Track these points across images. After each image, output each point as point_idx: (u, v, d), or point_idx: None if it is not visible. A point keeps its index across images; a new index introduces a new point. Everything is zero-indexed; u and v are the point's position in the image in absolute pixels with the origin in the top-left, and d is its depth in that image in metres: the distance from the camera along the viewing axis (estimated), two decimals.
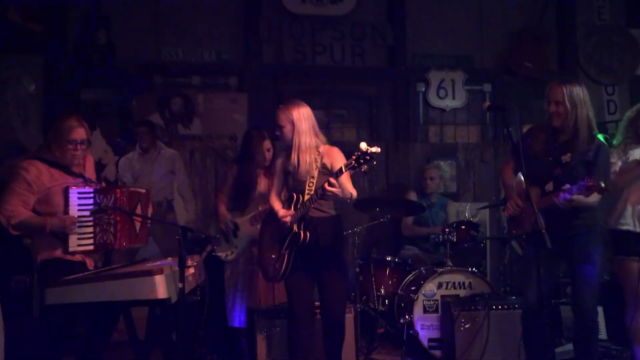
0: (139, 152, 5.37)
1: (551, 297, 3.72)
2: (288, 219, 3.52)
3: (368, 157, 3.16)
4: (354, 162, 3.20)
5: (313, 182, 3.51)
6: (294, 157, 3.57)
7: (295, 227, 3.49)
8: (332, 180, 3.27)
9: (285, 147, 3.68)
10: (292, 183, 3.66)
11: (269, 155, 4.45)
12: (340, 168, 3.26)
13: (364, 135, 6.46)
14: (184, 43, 6.21)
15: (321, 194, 3.34)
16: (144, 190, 3.78)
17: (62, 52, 5.94)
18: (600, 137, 3.56)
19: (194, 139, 6.07)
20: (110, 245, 3.43)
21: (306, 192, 3.50)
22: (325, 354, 3.64)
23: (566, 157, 3.44)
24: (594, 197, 3.35)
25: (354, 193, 3.49)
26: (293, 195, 3.58)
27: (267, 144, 4.45)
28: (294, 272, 3.55)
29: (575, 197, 3.28)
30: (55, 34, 5.90)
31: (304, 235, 3.47)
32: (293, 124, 3.55)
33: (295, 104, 3.61)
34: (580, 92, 3.44)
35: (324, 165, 3.56)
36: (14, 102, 5.67)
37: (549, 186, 3.45)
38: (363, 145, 3.17)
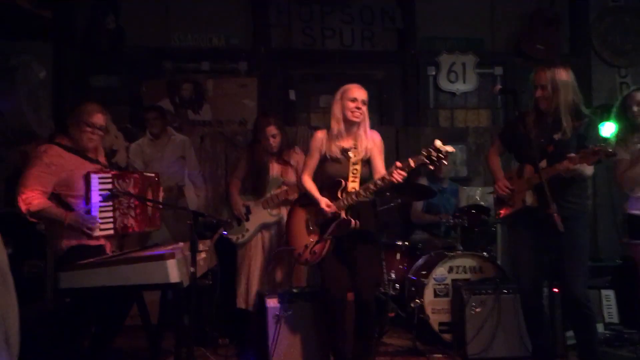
0: (150, 138, 5.38)
1: (554, 279, 3.70)
2: (330, 212, 3.52)
3: (442, 156, 3.12)
4: (425, 159, 3.16)
5: (357, 169, 3.50)
6: (352, 141, 3.59)
7: (343, 214, 3.48)
8: (401, 171, 3.24)
9: (333, 129, 3.64)
10: (331, 167, 3.64)
11: (273, 141, 4.39)
12: (409, 161, 3.22)
13: (374, 119, 6.42)
14: (193, 28, 6.20)
15: (388, 180, 3.31)
16: (153, 175, 3.82)
17: (71, 38, 5.94)
18: (587, 110, 3.55)
19: (204, 125, 6.07)
20: (131, 228, 3.48)
21: (350, 178, 3.50)
22: (357, 333, 3.65)
23: (558, 135, 3.44)
24: (590, 170, 3.36)
25: None
26: (340, 181, 3.55)
27: (271, 129, 4.38)
28: (331, 255, 3.55)
29: (578, 165, 3.26)
30: (64, 20, 5.90)
31: (355, 222, 3.47)
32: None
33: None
34: (564, 75, 3.44)
35: (367, 153, 3.60)
36: (24, 88, 5.68)
37: (543, 163, 3.45)
38: (438, 143, 3.12)
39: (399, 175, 3.25)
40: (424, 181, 5.55)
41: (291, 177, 4.44)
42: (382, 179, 3.34)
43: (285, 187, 4.42)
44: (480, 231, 4.91)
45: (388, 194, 4.83)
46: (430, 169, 3.26)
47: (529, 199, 3.45)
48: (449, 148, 3.12)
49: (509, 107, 6.46)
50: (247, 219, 4.44)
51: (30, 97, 5.70)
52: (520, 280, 3.67)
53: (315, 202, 3.60)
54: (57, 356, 3.33)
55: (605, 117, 5.25)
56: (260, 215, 4.42)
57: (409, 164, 3.23)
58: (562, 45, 6.52)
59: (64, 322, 3.37)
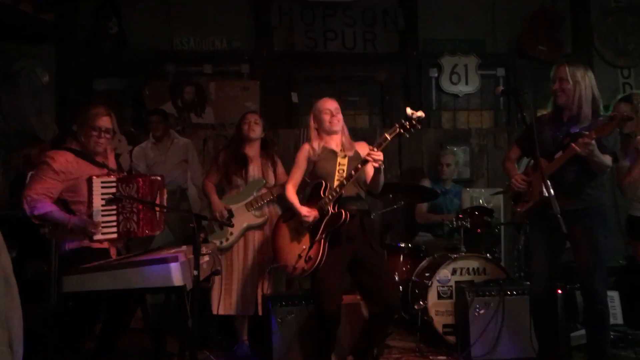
0: (152, 141, 5.40)
1: (558, 279, 3.69)
2: (311, 218, 3.50)
3: (414, 122, 3.19)
4: (398, 128, 3.22)
5: (343, 169, 3.50)
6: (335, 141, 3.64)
7: (330, 208, 3.45)
8: (375, 151, 3.28)
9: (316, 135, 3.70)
10: (320, 168, 3.62)
11: (254, 126, 4.31)
12: (385, 136, 3.27)
13: (376, 121, 6.43)
14: (196, 31, 6.22)
15: (362, 162, 3.36)
16: (159, 178, 3.81)
17: (74, 41, 5.96)
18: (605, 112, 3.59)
19: (206, 128, 6.08)
20: (134, 233, 3.46)
21: (336, 176, 3.51)
22: (370, 337, 3.65)
23: (575, 128, 3.44)
24: (608, 159, 3.36)
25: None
26: (321, 182, 3.55)
27: (253, 115, 4.37)
28: (326, 263, 3.44)
29: (594, 141, 3.24)
30: (66, 24, 5.92)
31: (346, 214, 3.41)
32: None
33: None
34: (584, 73, 3.46)
35: (355, 152, 3.62)
36: (28, 92, 5.69)
37: (559, 155, 3.44)
38: (409, 111, 3.21)
39: (376, 155, 3.30)
40: (426, 182, 5.55)
41: (272, 179, 4.40)
42: (361, 161, 3.36)
43: (268, 189, 4.35)
44: (484, 233, 4.89)
45: (391, 196, 4.82)
46: (407, 136, 3.32)
47: (554, 207, 3.42)
48: (420, 113, 3.20)
49: (512, 108, 6.46)
50: (231, 224, 4.17)
51: (33, 101, 5.71)
52: (532, 279, 3.66)
53: (297, 214, 3.57)
54: (61, 359, 3.33)
55: None
56: (245, 218, 4.29)
57: (385, 138, 3.28)
58: (564, 46, 6.51)
59: (68, 325, 3.37)
